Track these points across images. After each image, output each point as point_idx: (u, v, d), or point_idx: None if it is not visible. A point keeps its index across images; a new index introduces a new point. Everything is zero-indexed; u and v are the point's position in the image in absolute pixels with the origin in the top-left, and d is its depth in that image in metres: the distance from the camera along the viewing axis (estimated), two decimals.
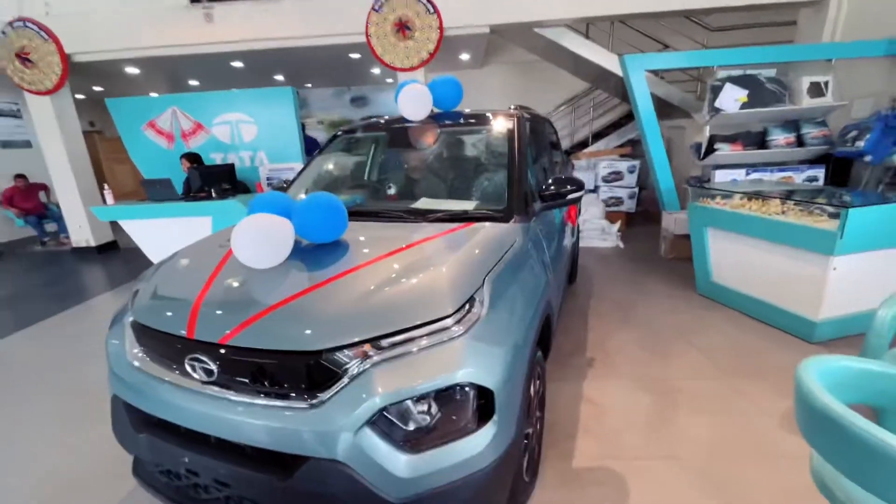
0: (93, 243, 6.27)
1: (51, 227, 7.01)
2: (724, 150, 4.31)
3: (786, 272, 2.88)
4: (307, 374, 1.19)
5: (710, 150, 4.31)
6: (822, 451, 1.11)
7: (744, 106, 4.14)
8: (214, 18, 5.29)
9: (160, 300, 1.52)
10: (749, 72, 4.26)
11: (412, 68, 5.08)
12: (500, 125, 2.34)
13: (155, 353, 1.43)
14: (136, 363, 1.46)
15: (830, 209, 2.70)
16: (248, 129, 5.43)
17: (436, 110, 2.55)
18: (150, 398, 1.39)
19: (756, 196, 3.19)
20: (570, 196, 2.00)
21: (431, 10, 4.80)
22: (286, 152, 5.44)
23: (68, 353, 3.29)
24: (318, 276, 1.46)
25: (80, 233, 6.24)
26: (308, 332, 1.21)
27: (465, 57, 6.77)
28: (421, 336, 1.21)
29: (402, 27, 4.88)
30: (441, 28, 4.88)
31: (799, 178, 4.38)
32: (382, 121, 2.70)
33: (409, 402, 1.14)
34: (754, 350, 2.76)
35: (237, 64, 6.47)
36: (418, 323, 1.22)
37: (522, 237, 1.78)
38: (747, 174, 4.34)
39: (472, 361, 1.19)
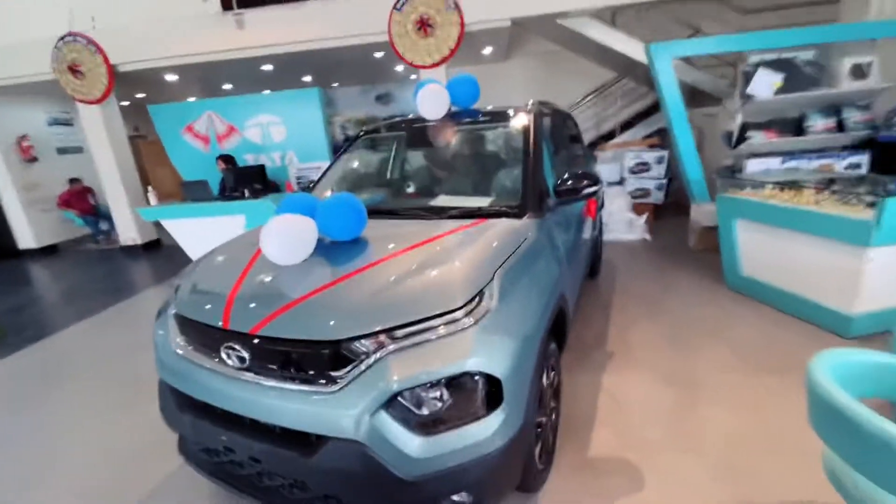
0: (139, 241, 6.70)
1: (104, 225, 7.53)
2: (758, 138, 4.14)
3: (819, 265, 2.78)
4: (329, 361, 1.29)
5: (742, 138, 4.15)
6: (831, 443, 1.12)
7: (779, 91, 3.97)
8: (245, 24, 5.52)
9: (198, 294, 1.66)
10: (785, 55, 4.07)
11: (434, 65, 5.14)
12: (516, 122, 2.37)
13: (195, 342, 1.57)
14: (180, 351, 1.61)
15: (868, 198, 2.59)
16: (278, 130, 5.66)
17: (454, 108, 2.61)
18: (191, 383, 1.54)
19: (789, 185, 3.07)
20: (586, 191, 2.01)
21: (452, 6, 4.83)
22: (314, 151, 5.64)
23: (121, 342, 3.58)
24: (338, 271, 1.56)
25: (128, 231, 6.68)
26: (330, 323, 1.31)
27: (487, 51, 6.76)
28: (433, 327, 1.29)
29: (424, 25, 4.93)
30: (462, 23, 4.90)
31: (840, 165, 4.15)
32: (401, 120, 2.78)
33: (421, 389, 1.22)
34: (784, 345, 2.69)
35: (267, 67, 6.71)
36: (430, 315, 1.29)
37: (535, 232, 1.82)
38: (783, 163, 4.16)
39: (481, 351, 1.26)
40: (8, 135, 6.87)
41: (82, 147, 8.18)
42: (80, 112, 6.22)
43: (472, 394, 1.26)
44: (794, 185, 3.04)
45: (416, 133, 2.63)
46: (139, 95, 8.53)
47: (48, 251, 7.37)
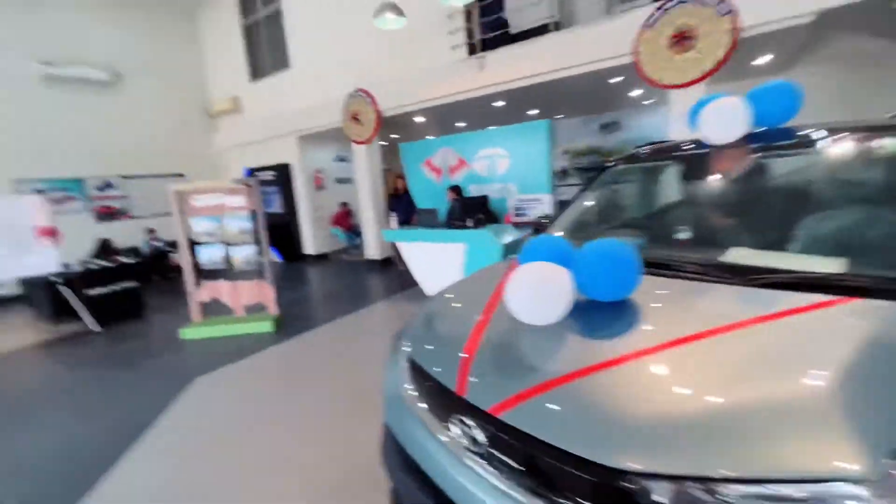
0: (377, 257, 7.88)
1: (356, 241, 9.23)
2: None
3: None
4: (596, 493, 0.88)
5: None
6: None
7: None
8: (485, 65, 5.87)
9: (431, 342, 1.51)
10: None
11: (689, 83, 4.31)
12: (885, 143, 1.51)
13: (425, 397, 1.39)
14: (407, 400, 1.47)
15: None
16: (502, 163, 5.75)
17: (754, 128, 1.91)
18: (412, 440, 1.36)
19: None
20: None
21: (724, 12, 3.95)
22: (534, 183, 5.50)
23: (353, 349, 4.05)
24: (607, 348, 1.14)
25: (371, 248, 7.95)
26: (600, 433, 0.90)
27: (761, 61, 5.40)
28: (795, 499, 0.72)
29: (682, 38, 4.19)
30: (736, 29, 3.95)
31: None
32: (671, 146, 2.21)
33: None
34: None
35: (499, 103, 7.05)
36: (790, 476, 0.74)
37: None
38: None
39: None
40: (309, 169, 9.19)
41: (351, 178, 10.36)
42: (355, 151, 7.78)
43: None
44: None
45: (701, 161, 2.01)
46: (392, 136, 10.30)
47: (320, 258, 9.46)
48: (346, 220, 9.22)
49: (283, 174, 9.17)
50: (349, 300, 5.86)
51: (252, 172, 9.63)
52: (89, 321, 5.36)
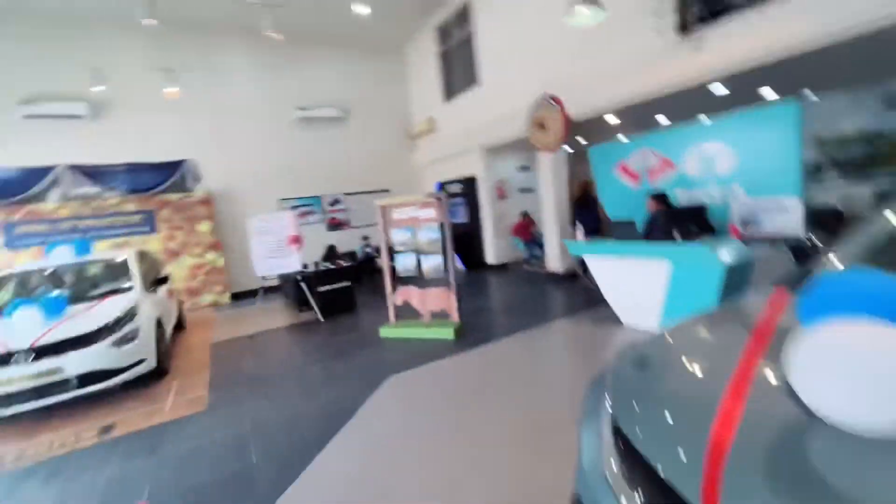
0: (560, 271, 7.43)
1: (536, 252, 8.97)
2: None
3: None
4: None
5: None
6: None
7: None
8: (703, 44, 4.84)
9: (648, 409, 1.10)
10: None
11: None
12: None
13: (637, 485, 1.01)
14: (609, 478, 1.10)
15: None
16: (724, 160, 4.61)
17: None
18: None
19: None
20: None
21: None
22: (773, 183, 4.21)
23: (534, 369, 3.76)
24: None
25: (554, 260, 7.55)
26: None
27: None
28: None
29: None
30: None
31: None
32: None
33: None
34: None
35: (717, 88, 5.77)
36: None
37: None
38: None
39: None
40: (492, 180, 9.39)
41: (533, 188, 10.17)
42: (540, 160, 7.55)
43: None
44: None
45: None
46: (579, 140, 9.68)
47: (500, 268, 9.54)
48: (526, 230, 9.06)
49: (468, 186, 9.63)
50: (529, 314, 5.62)
51: (442, 186, 10.44)
52: (318, 313, 6.57)
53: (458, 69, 9.77)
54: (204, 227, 8.94)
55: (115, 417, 3.75)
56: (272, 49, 9.55)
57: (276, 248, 6.45)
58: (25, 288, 4.86)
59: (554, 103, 6.70)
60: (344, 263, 7.33)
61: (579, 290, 6.54)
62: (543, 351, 4.38)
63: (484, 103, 8.90)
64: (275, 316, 7.30)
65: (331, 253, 8.45)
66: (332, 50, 10.51)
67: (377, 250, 10.13)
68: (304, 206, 10.39)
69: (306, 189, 10.44)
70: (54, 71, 7.83)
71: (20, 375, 3.65)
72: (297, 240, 6.43)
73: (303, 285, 6.62)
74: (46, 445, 3.37)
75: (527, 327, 5.00)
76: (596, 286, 4.95)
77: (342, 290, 6.90)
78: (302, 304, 6.82)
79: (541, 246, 8.88)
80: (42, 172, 7.70)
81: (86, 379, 3.88)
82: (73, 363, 3.82)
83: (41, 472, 2.98)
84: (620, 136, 5.73)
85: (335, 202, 10.83)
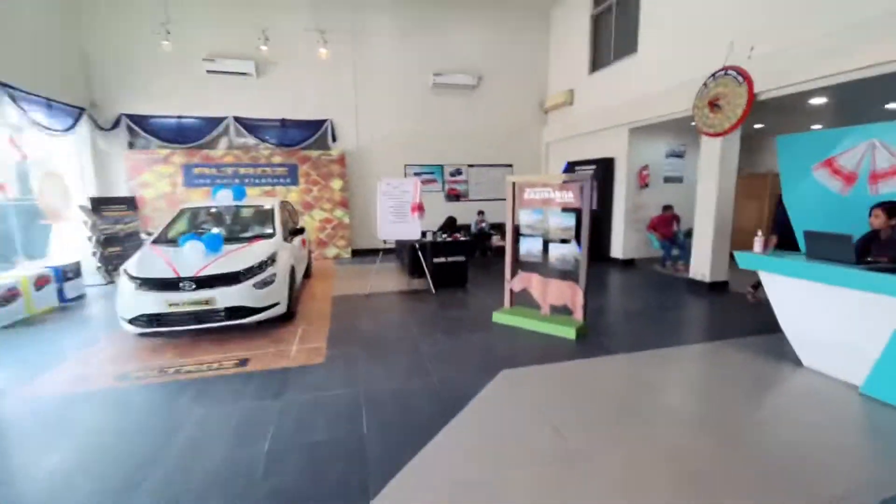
0: (707, 279, 6.28)
1: (674, 252, 7.78)
2: None
3: None
4: None
5: None
6: None
7: None
8: None
9: None
10: None
11: None
12: None
13: None
14: None
15: None
16: None
17: None
18: None
19: None
20: None
21: None
22: None
23: (678, 405, 3.11)
24: None
25: (700, 266, 6.41)
26: None
27: None
28: None
29: None
30: None
31: None
32: None
33: None
34: None
35: None
36: None
37: None
38: None
39: None
40: (634, 164, 8.28)
41: (682, 178, 8.76)
42: (702, 145, 6.34)
43: None
44: None
45: None
46: (757, 126, 7.96)
47: (627, 263, 8.53)
48: (667, 226, 7.86)
49: (604, 168, 8.64)
50: (668, 327, 4.83)
51: (571, 166, 9.57)
52: (430, 283, 6.53)
53: (613, 35, 8.61)
54: (336, 184, 9.51)
55: (249, 353, 4.09)
56: (416, 7, 9.51)
57: (400, 214, 6.49)
58: (194, 223, 5.57)
59: (741, 78, 5.44)
60: (461, 237, 7.15)
61: (736, 307, 5.44)
62: (689, 378, 3.65)
63: (638, 76, 7.73)
64: (389, 278, 7.49)
65: (450, 224, 8.36)
66: (473, 11, 10.06)
67: (492, 227, 9.82)
68: (427, 173, 10.44)
69: (431, 157, 10.44)
70: (231, 32, 8.76)
71: (186, 300, 4.16)
72: (420, 208, 6.37)
73: (420, 254, 6.60)
74: (199, 366, 3.80)
75: (666, 343, 4.25)
76: (762, 304, 3.95)
77: (457, 264, 6.75)
78: (414, 271, 6.85)
79: (682, 246, 7.66)
80: (215, 122, 8.84)
81: (232, 312, 4.29)
82: (223, 297, 4.24)
83: (191, 390, 3.34)
84: (816, 126, 4.40)
85: (457, 172, 10.69)
